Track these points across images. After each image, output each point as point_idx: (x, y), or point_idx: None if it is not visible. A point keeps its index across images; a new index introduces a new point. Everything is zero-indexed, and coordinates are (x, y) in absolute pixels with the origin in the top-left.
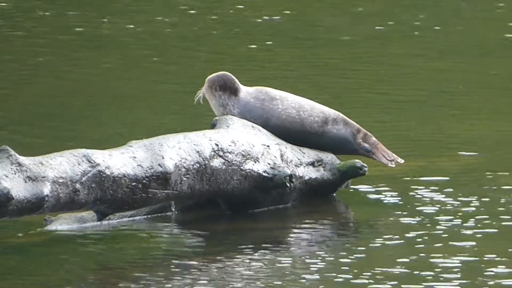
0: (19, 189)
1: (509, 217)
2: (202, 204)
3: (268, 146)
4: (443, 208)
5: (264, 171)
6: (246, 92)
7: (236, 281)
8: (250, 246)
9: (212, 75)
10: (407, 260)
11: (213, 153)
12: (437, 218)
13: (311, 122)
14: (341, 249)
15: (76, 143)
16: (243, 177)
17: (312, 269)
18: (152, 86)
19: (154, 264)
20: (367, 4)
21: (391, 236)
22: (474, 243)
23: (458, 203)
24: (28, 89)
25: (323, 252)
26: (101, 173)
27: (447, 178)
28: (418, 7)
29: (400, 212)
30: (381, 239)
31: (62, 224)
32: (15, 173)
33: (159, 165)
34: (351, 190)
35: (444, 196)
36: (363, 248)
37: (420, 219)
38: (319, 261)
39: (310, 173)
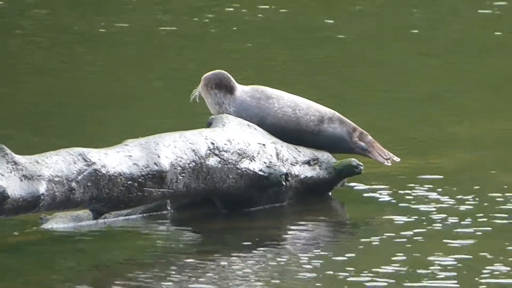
0: (15, 187)
1: (505, 215)
2: (198, 202)
3: (264, 144)
4: (439, 206)
5: (260, 170)
6: (242, 90)
7: (232, 279)
8: (245, 244)
9: (208, 73)
10: (403, 258)
11: (209, 151)
12: (433, 216)
13: (307, 121)
14: (337, 247)
15: (72, 142)
16: (239, 175)
17: (307, 267)
18: (148, 85)
19: (150, 262)
20: (364, 2)
21: (387, 234)
22: (470, 241)
23: (454, 201)
24: (25, 88)
25: (319, 251)
26: (97, 172)
27: (443, 176)
28: (415, 5)
29: (396, 211)
30: (377, 238)
31: (58, 222)
32: (10, 172)
33: (155, 163)
34: (347, 188)
35: (440, 194)
36: (359, 246)
37: (416, 217)
38: (315, 259)
39: (306, 171)
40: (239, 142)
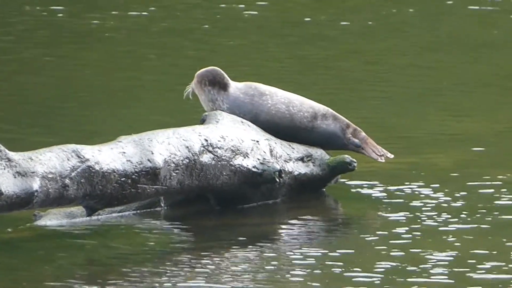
0: (8, 184)
1: (499, 212)
2: (192, 199)
3: (257, 141)
4: (433, 203)
5: (254, 167)
6: (235, 87)
7: (226, 276)
8: (239, 241)
9: (201, 70)
10: (396, 255)
11: (202, 148)
12: (426, 213)
13: (300, 118)
14: (330, 244)
15: (67, 140)
16: (232, 172)
17: (301, 264)
18: (142, 82)
19: (143, 259)
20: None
21: (380, 231)
22: (464, 237)
23: (448, 198)
24: (18, 85)
25: (312, 247)
26: (91, 169)
27: (437, 173)
28: (407, 3)
29: (389, 207)
30: (370, 234)
31: (52, 219)
32: (4, 169)
33: (149, 160)
34: (340, 185)
35: (433, 191)
36: (352, 243)
37: (409, 214)
38: (308, 256)
39: (300, 168)
40: (232, 138)
